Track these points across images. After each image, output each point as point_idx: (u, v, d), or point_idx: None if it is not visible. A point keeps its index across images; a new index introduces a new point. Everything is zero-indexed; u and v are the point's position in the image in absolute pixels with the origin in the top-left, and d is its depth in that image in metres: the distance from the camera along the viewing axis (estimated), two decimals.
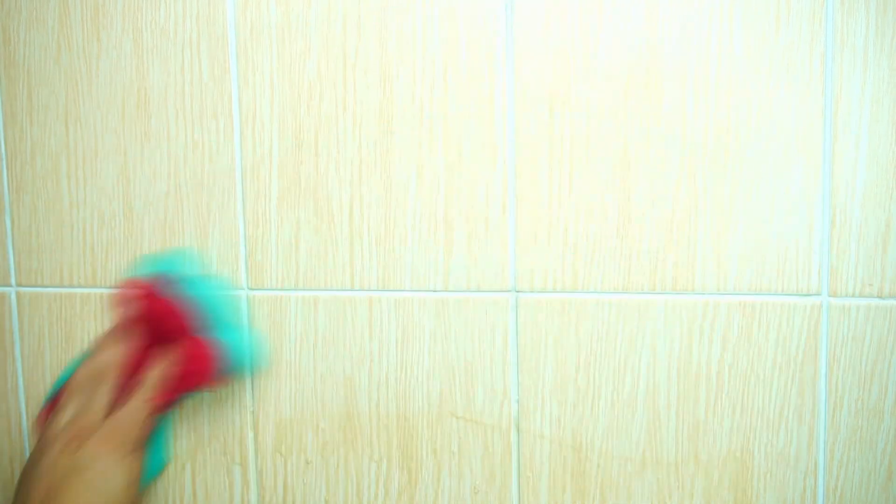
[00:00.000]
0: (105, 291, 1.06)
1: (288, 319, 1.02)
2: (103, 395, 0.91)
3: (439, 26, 0.95)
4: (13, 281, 1.08)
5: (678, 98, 0.91)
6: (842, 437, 0.92)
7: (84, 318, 1.07)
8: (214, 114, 1.01)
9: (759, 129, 0.90)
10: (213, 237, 1.02)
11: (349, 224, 0.99)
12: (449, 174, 0.97)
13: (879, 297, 0.90)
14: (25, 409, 1.10)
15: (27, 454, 1.11)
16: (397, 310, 1.00)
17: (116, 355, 0.93)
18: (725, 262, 0.92)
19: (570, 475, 0.98)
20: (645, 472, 0.97)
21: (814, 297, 0.91)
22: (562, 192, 0.95)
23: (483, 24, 0.94)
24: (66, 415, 0.90)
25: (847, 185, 0.89)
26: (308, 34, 0.98)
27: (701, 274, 0.93)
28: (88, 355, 0.95)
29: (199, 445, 1.06)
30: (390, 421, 1.01)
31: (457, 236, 0.97)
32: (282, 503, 1.05)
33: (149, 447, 0.94)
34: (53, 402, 0.94)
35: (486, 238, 0.97)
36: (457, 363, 0.99)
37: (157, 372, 0.92)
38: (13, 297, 1.09)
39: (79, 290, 1.06)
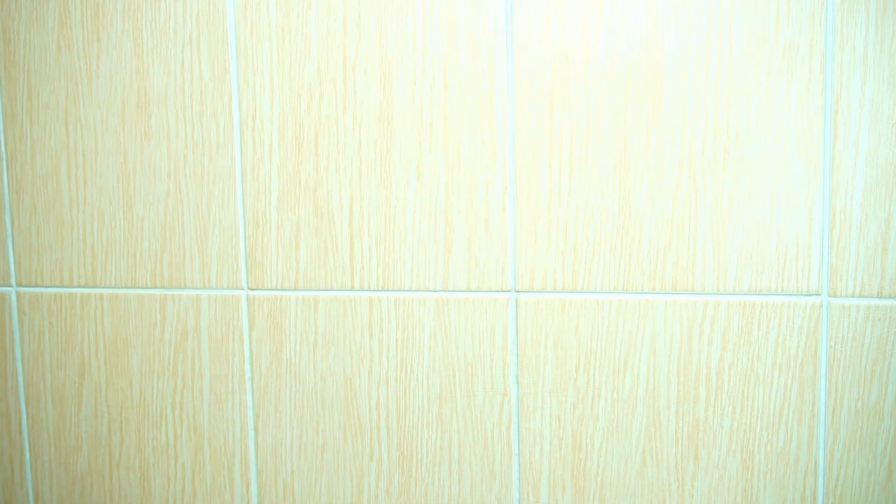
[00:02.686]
0: (105, 291, 1.06)
1: (288, 319, 1.02)
2: None
3: (439, 26, 0.95)
4: (13, 281, 1.08)
5: (678, 98, 0.91)
6: (842, 437, 0.92)
7: (84, 318, 1.07)
8: (214, 114, 1.01)
9: (758, 129, 0.90)
10: (213, 237, 1.02)
11: (349, 224, 0.99)
12: (449, 174, 0.97)
13: (879, 297, 0.90)
14: (25, 409, 1.10)
15: (27, 454, 1.11)
16: (397, 309, 1.00)
17: None
18: (725, 262, 0.92)
19: (570, 475, 0.98)
20: (645, 471, 0.97)
21: (814, 297, 0.91)
22: (562, 192, 0.95)
23: (483, 24, 0.94)
24: None
25: (847, 185, 0.89)
26: (308, 34, 0.98)
27: (701, 274, 0.93)
28: None
29: (199, 445, 1.06)
30: (390, 420, 1.01)
31: (457, 236, 0.97)
32: (282, 503, 1.05)
33: None
34: None
35: (486, 238, 0.97)
36: (457, 363, 0.99)
37: None
38: (13, 297, 1.09)
39: (79, 290, 1.06)
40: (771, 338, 0.93)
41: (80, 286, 1.06)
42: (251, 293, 1.02)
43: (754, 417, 0.94)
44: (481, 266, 0.97)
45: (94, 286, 1.06)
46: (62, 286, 1.07)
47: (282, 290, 1.02)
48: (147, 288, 1.05)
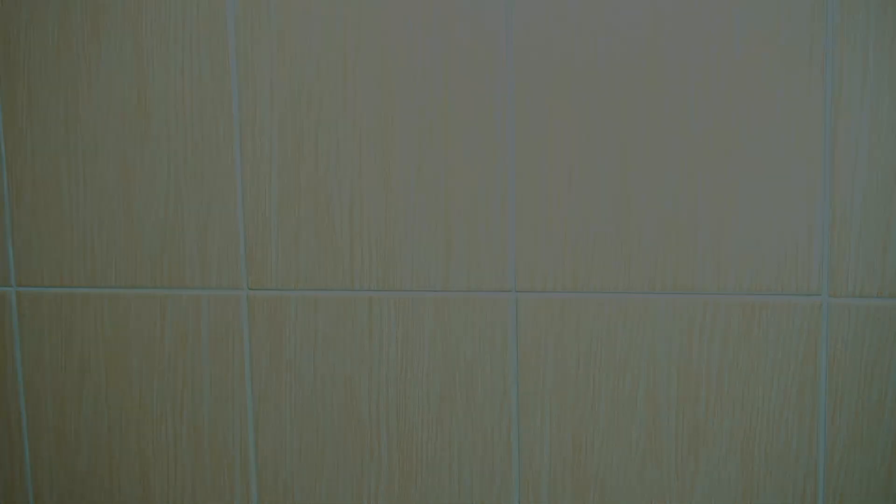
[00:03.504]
0: (105, 291, 1.06)
1: (288, 319, 1.02)
2: None
3: (439, 26, 0.95)
4: (13, 281, 1.08)
5: (678, 98, 0.91)
6: (842, 438, 0.92)
7: (84, 318, 1.07)
8: (214, 114, 1.01)
9: (759, 129, 0.90)
10: (213, 237, 1.02)
11: (349, 224, 0.99)
12: (449, 174, 0.97)
13: (879, 297, 0.90)
14: (25, 408, 1.10)
15: (27, 454, 1.11)
16: (397, 310, 1.00)
17: None
18: (725, 262, 0.92)
19: (570, 475, 0.98)
20: (645, 471, 0.97)
21: (814, 297, 0.91)
22: (562, 192, 0.95)
23: (483, 24, 0.94)
24: None
25: (847, 185, 0.89)
26: (308, 34, 0.98)
27: (701, 274, 0.93)
28: None
29: (199, 445, 1.06)
30: (390, 420, 1.01)
31: (457, 236, 0.97)
32: (282, 503, 1.05)
33: None
34: None
35: (486, 238, 0.97)
36: (457, 363, 0.99)
37: None
38: (13, 297, 1.09)
39: (79, 290, 1.06)
40: (771, 338, 0.93)
41: (80, 286, 1.06)
42: (251, 293, 1.03)
43: (754, 417, 0.94)
44: (481, 266, 0.97)
45: (94, 286, 1.06)
46: (62, 286, 1.07)
47: (282, 290, 1.02)
48: (147, 288, 1.05)
